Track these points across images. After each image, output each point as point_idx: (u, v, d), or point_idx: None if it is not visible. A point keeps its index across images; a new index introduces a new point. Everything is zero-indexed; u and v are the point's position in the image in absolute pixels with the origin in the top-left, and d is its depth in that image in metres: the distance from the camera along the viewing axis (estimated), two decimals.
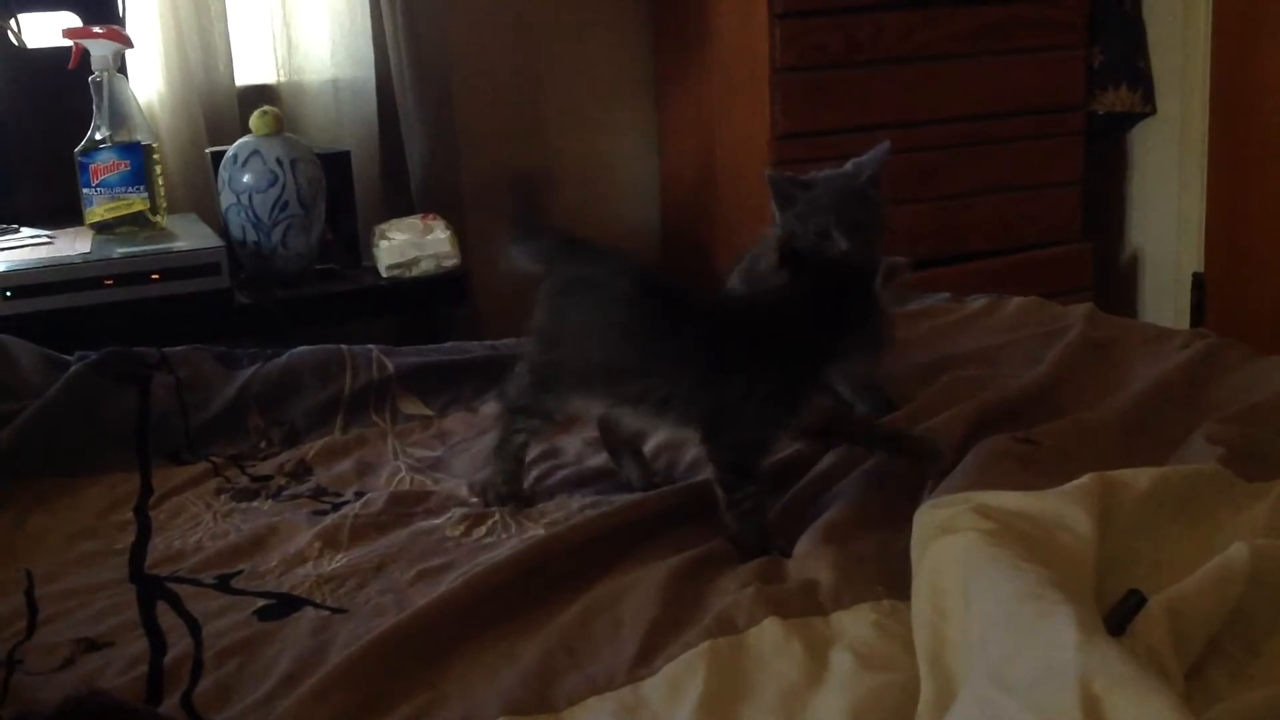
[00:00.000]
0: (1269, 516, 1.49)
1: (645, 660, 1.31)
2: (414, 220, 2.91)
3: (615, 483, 1.74)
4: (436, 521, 1.63)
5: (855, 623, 1.36)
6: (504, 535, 1.59)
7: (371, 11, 3.04)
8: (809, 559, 1.49)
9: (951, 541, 1.36)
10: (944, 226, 3.10)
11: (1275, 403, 1.78)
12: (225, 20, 2.97)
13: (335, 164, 2.87)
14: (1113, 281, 3.44)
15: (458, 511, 1.66)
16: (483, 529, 1.61)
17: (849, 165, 1.91)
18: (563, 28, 3.34)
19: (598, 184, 3.46)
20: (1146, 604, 1.24)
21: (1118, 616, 1.23)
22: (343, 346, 2.07)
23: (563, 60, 3.36)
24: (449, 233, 2.85)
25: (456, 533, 1.61)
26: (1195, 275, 3.20)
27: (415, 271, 2.80)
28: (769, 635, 1.33)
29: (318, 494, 1.74)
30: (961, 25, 3.08)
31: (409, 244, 2.82)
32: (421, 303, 2.87)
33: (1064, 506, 1.48)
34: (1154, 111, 3.28)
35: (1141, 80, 3.26)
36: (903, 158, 2.95)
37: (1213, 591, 1.27)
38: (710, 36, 3.17)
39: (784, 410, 1.57)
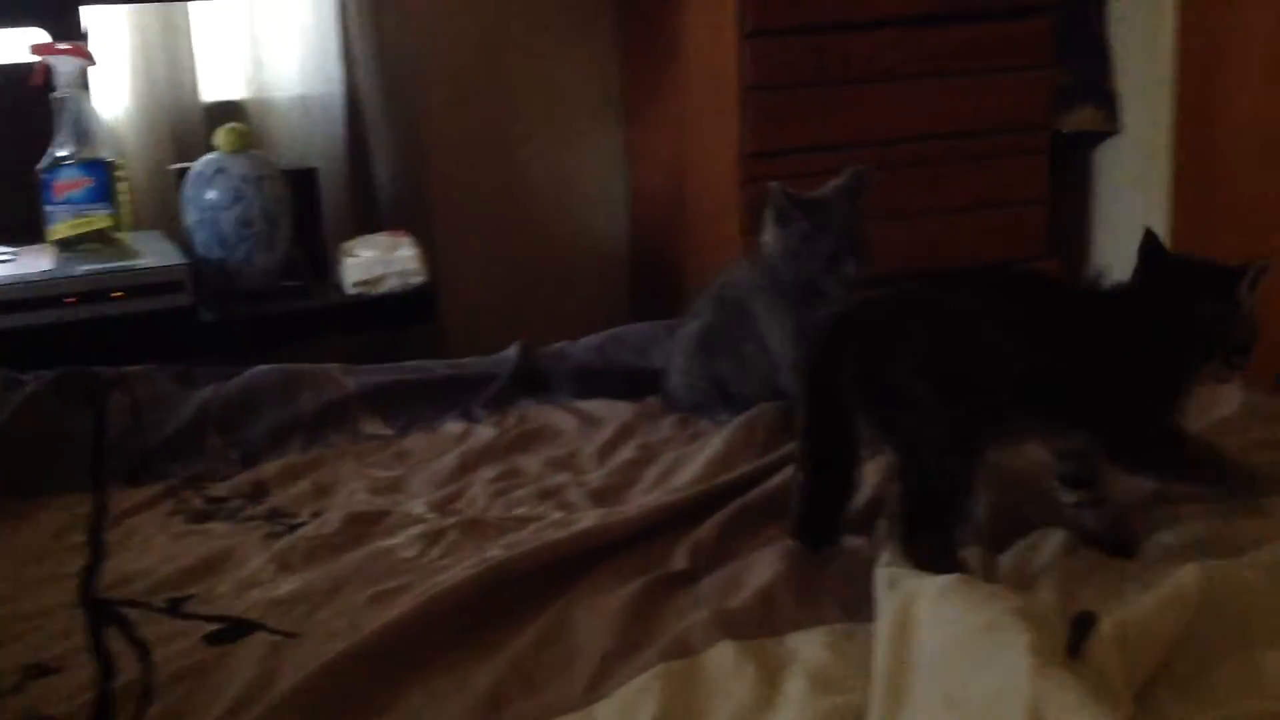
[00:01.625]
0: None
1: (599, 685, 1.31)
2: (381, 237, 2.90)
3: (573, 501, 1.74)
4: (393, 542, 1.63)
5: (810, 645, 1.36)
6: (460, 557, 1.58)
7: (340, 28, 3.03)
8: (767, 579, 1.49)
9: (923, 574, 1.35)
10: (912, 244, 3.10)
11: (1233, 423, 1.79)
12: (190, 36, 2.95)
13: (302, 180, 2.86)
14: None
15: (415, 532, 1.65)
16: (439, 550, 1.61)
17: (834, 186, 1.93)
18: (532, 45, 3.34)
19: (567, 201, 3.45)
20: (1099, 625, 1.24)
21: (1071, 638, 1.23)
22: (303, 366, 2.06)
23: (532, 77, 3.36)
24: (416, 250, 2.84)
25: (413, 554, 1.60)
26: None
27: (381, 289, 2.79)
28: (723, 658, 1.33)
29: (273, 515, 1.73)
30: (929, 45, 3.08)
31: (375, 261, 2.81)
32: (388, 320, 2.85)
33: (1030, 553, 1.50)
34: (1119, 130, 3.30)
35: (1107, 99, 3.27)
36: (876, 177, 2.97)
37: (1163, 614, 1.27)
38: (680, 54, 3.18)
39: (1175, 393, 1.50)
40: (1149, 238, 1.54)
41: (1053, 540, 1.50)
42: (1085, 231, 3.48)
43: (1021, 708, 1.12)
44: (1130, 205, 3.31)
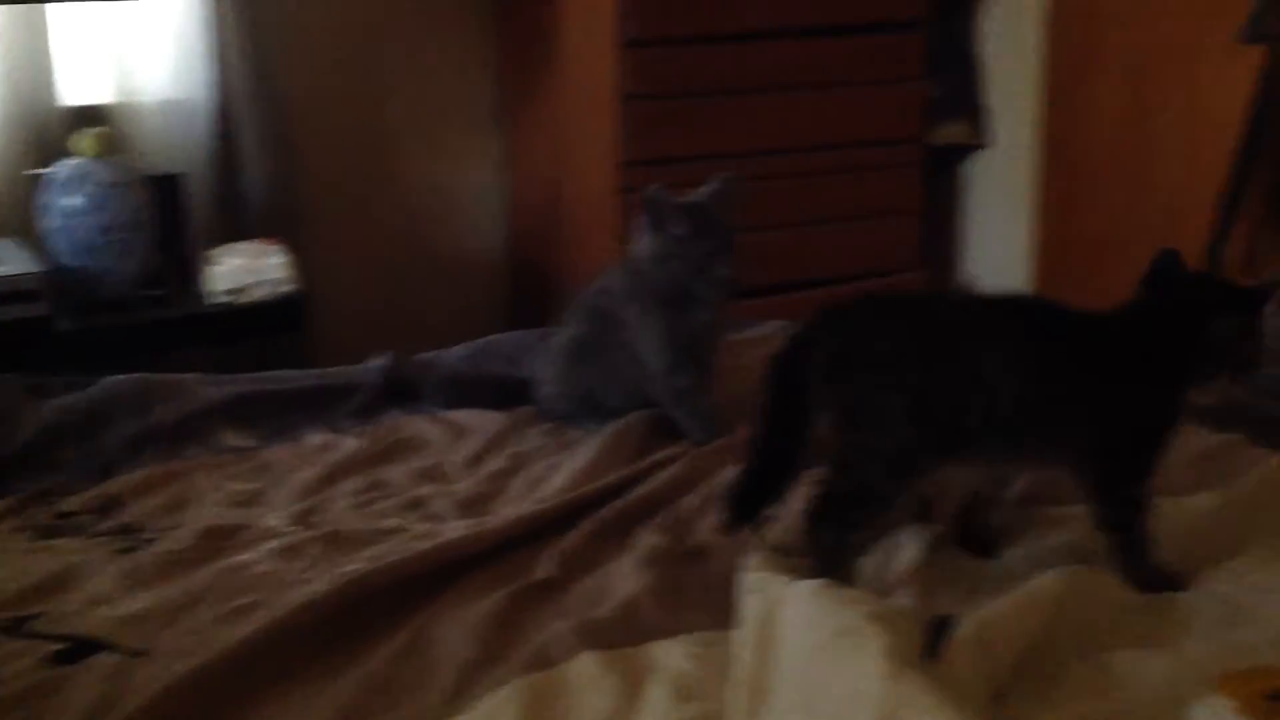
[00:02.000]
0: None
1: (458, 698, 1.29)
2: (249, 245, 2.85)
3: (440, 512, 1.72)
4: (249, 557, 1.58)
5: (673, 653, 1.36)
6: (320, 571, 1.54)
7: (208, 32, 2.96)
8: (632, 588, 1.48)
9: (786, 579, 1.36)
10: (787, 254, 3.14)
11: None
12: (47, 38, 2.86)
13: (167, 186, 2.79)
14: None
15: (273, 546, 1.60)
16: (298, 564, 1.56)
17: (704, 192, 1.93)
18: (408, 51, 3.30)
19: (443, 208, 3.42)
20: (957, 627, 1.26)
21: (931, 641, 1.25)
22: (160, 375, 2.00)
23: (408, 85, 3.32)
24: (285, 258, 2.79)
25: (270, 568, 1.55)
26: None
27: (249, 298, 2.73)
28: (584, 669, 1.32)
29: (125, 530, 1.67)
30: (804, 57, 3.12)
31: (243, 269, 2.75)
32: (256, 330, 2.79)
33: (891, 551, 1.51)
34: (988, 143, 3.37)
35: (976, 113, 3.34)
36: (747, 186, 2.98)
37: (1019, 617, 1.29)
38: (558, 63, 3.17)
39: (1165, 427, 1.46)
40: (1164, 256, 1.49)
41: (913, 543, 1.51)
42: (955, 243, 3.54)
43: (876, 712, 1.12)
44: (998, 217, 3.39)
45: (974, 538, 1.54)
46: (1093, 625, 1.33)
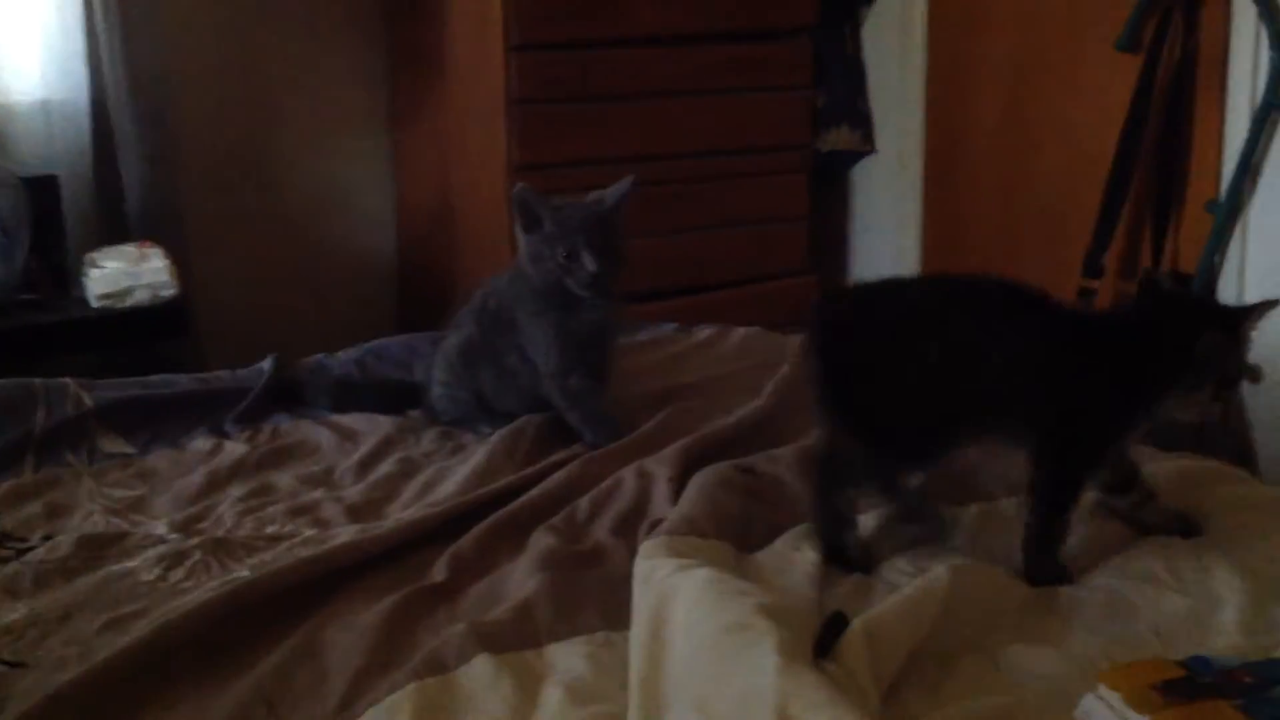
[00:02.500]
0: (966, 541, 1.56)
1: (349, 704, 1.26)
2: (129, 248, 2.77)
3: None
4: (131, 565, 1.54)
5: (569, 655, 1.35)
6: (205, 578, 1.51)
7: (85, 30, 2.88)
8: (527, 590, 1.47)
9: (678, 572, 1.36)
10: (679, 259, 3.15)
11: None
12: None
13: (42, 188, 2.71)
14: None
15: (155, 554, 1.56)
16: (181, 571, 1.53)
17: (594, 195, 1.92)
18: (294, 52, 3.25)
19: (331, 211, 3.37)
20: (849, 625, 1.27)
21: (823, 639, 1.25)
22: (35, 380, 1.93)
23: (294, 85, 3.27)
24: (167, 261, 2.72)
25: (152, 576, 1.51)
26: None
27: (129, 302, 2.66)
28: (479, 673, 1.31)
29: (1, 540, 1.61)
30: (694, 63, 3.14)
31: (122, 273, 2.68)
32: (137, 335, 2.72)
33: (786, 546, 1.52)
34: (874, 150, 3.42)
35: (862, 120, 3.39)
36: (638, 191, 2.98)
37: (910, 613, 1.31)
38: (447, 67, 3.14)
39: (1120, 428, 1.50)
40: (1148, 274, 1.55)
41: (813, 539, 1.52)
42: (843, 248, 3.59)
43: (769, 708, 1.12)
44: (884, 222, 3.44)
45: (1176, 526, 1.56)
46: (981, 620, 1.35)
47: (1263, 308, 1.48)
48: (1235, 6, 2.49)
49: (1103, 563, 1.49)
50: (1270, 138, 2.46)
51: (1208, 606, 1.39)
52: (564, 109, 3.02)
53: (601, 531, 1.62)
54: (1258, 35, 2.43)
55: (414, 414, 2.05)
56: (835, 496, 1.55)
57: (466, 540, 1.60)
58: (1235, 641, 1.31)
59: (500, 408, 1.97)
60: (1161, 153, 2.63)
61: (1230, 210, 2.50)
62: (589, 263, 1.85)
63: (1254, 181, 2.49)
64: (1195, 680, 1.16)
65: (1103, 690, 1.16)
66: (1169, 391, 1.48)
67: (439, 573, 1.53)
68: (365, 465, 1.86)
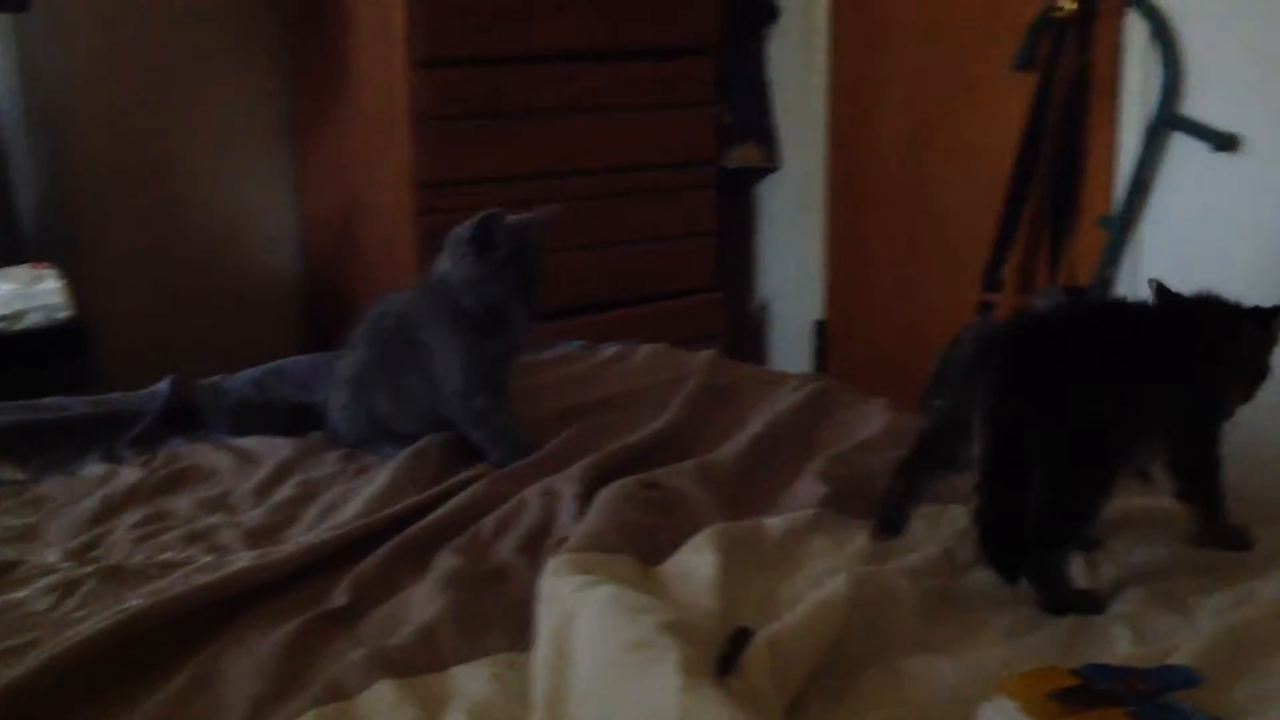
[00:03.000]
0: (869, 550, 1.57)
1: None
2: (22, 269, 2.71)
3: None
4: (22, 595, 1.49)
5: (473, 678, 1.33)
6: (98, 607, 1.47)
7: None
8: (430, 613, 1.45)
9: (581, 590, 1.36)
10: (586, 276, 3.15)
11: (875, 441, 1.88)
12: None
13: None
14: (746, 329, 3.58)
15: (47, 583, 1.52)
16: (74, 600, 1.48)
17: (519, 219, 1.91)
18: (194, 69, 3.20)
19: (233, 230, 3.32)
20: (753, 640, 1.27)
21: (727, 654, 1.25)
22: None
23: (195, 102, 3.22)
24: (61, 283, 2.66)
25: (44, 606, 1.47)
26: (817, 322, 3.38)
27: (22, 324, 2.60)
28: (380, 698, 1.29)
29: None
30: (599, 80, 3.14)
31: (15, 294, 2.61)
32: (30, 358, 2.64)
33: (692, 555, 1.52)
34: (779, 167, 3.45)
35: (767, 137, 3.42)
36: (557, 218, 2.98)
37: (813, 626, 1.31)
38: (350, 84, 3.11)
39: (1120, 438, 1.50)
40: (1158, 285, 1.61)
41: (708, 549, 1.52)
42: (750, 264, 3.61)
43: None
44: (791, 238, 3.47)
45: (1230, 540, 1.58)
46: (884, 631, 1.36)
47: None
48: (1127, 25, 2.55)
49: None
50: (1161, 153, 2.52)
51: (1104, 616, 1.42)
52: (470, 125, 3.01)
53: (506, 551, 1.61)
54: (1149, 53, 2.49)
55: (316, 436, 2.02)
56: (922, 475, 1.56)
57: (368, 563, 1.57)
58: (1130, 650, 1.34)
59: (399, 429, 1.95)
60: (1057, 168, 2.69)
61: (1123, 224, 2.56)
62: (540, 295, 1.86)
63: (1145, 196, 2.55)
64: (1090, 688, 1.18)
65: (1000, 699, 1.17)
66: (1234, 383, 1.57)
67: (340, 597, 1.50)
68: (265, 489, 1.83)
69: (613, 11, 3.11)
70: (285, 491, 1.82)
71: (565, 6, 3.05)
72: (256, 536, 1.68)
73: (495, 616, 1.44)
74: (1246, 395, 1.59)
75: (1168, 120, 2.47)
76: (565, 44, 3.07)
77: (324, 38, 3.16)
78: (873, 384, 2.86)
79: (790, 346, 3.50)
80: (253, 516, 1.74)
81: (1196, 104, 2.46)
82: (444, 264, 1.91)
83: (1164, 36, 2.44)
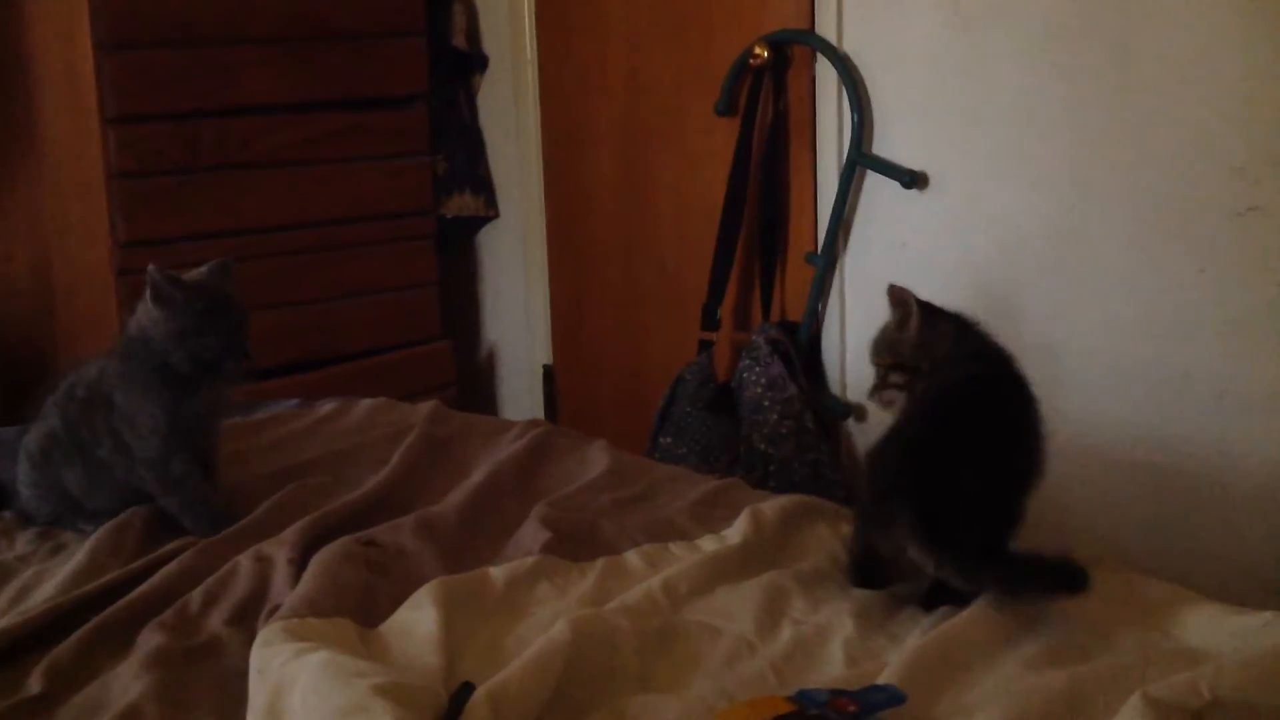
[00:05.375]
0: (592, 593, 1.57)
1: None
2: None
3: None
4: None
5: None
6: None
7: None
8: (133, 694, 1.37)
9: (295, 658, 1.31)
10: (301, 332, 3.07)
11: (597, 483, 1.89)
12: None
13: None
14: (475, 376, 3.55)
15: None
16: None
17: (194, 274, 1.83)
18: None
19: None
20: (473, 695, 1.25)
21: (452, 708, 1.23)
22: None
23: None
24: None
25: None
26: (545, 367, 3.39)
27: None
28: None
29: None
30: (307, 132, 3.08)
31: None
32: None
33: (412, 612, 1.49)
34: (497, 215, 3.45)
35: (483, 186, 3.42)
36: (257, 264, 2.89)
37: (534, 674, 1.30)
38: (38, 142, 2.96)
39: None
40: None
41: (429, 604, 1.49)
42: (475, 312, 3.60)
43: None
44: (514, 286, 3.47)
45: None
46: (607, 673, 1.36)
47: None
48: (818, 71, 2.66)
49: (721, 605, 1.53)
50: (857, 192, 2.64)
51: (818, 639, 1.46)
52: (171, 181, 2.90)
53: (216, 623, 1.54)
54: (840, 96, 2.61)
55: (7, 514, 1.89)
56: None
57: (65, 646, 1.48)
58: (842, 671, 1.38)
59: (92, 506, 1.84)
60: (763, 209, 2.78)
61: (828, 261, 2.66)
62: (212, 344, 1.78)
63: (846, 233, 2.66)
64: (804, 714, 1.21)
65: None
66: None
67: (35, 684, 1.41)
68: None
69: (318, 63, 3.05)
70: None
71: (269, 59, 2.98)
72: None
73: (204, 694, 1.38)
74: None
75: (859, 160, 2.59)
76: (269, 95, 2.99)
77: (7, 96, 2.98)
78: (600, 425, 2.89)
79: (522, 392, 3.50)
80: None
81: (886, 144, 2.58)
82: (140, 322, 1.82)
83: (851, 81, 2.57)
